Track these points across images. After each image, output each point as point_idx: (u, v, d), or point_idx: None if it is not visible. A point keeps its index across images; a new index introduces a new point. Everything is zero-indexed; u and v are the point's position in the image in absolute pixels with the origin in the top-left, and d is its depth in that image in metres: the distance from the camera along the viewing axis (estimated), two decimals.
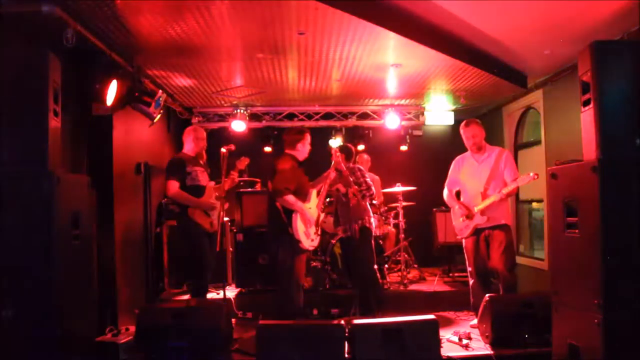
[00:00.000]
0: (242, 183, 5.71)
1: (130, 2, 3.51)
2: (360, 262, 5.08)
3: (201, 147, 4.95)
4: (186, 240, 4.81)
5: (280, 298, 4.42)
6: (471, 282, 4.67)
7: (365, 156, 7.02)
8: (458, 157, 4.84)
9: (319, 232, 4.62)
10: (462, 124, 4.72)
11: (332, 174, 4.72)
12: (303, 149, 4.55)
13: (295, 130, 4.64)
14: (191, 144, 4.87)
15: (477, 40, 4.57)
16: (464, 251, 4.72)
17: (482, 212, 4.46)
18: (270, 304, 5.26)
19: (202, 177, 4.79)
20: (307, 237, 4.37)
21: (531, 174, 4.18)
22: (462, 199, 4.77)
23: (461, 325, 4.80)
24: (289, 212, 4.28)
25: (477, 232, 4.55)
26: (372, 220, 5.33)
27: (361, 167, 5.42)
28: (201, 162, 4.92)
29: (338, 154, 5.14)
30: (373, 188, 5.28)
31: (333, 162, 4.74)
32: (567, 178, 3.23)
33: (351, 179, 5.04)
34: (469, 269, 4.69)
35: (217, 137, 6.69)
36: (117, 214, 4.65)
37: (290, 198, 4.23)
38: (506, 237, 4.42)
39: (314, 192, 4.57)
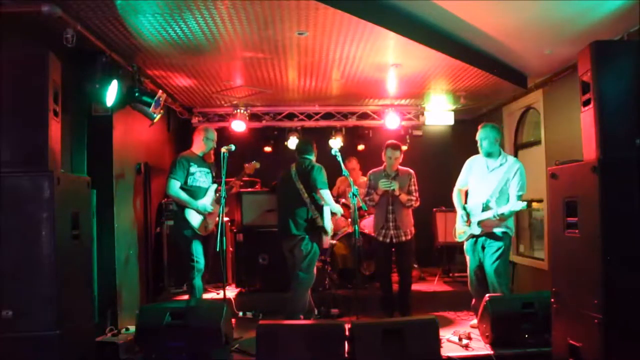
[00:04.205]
0: (242, 184, 5.70)
1: (130, 2, 3.51)
2: (407, 266, 5.22)
3: (210, 147, 4.98)
4: (179, 239, 4.81)
5: (299, 296, 4.56)
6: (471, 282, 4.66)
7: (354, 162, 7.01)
8: (471, 158, 4.73)
9: None
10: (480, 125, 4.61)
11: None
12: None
13: (309, 141, 4.98)
14: (200, 143, 4.91)
15: (477, 40, 4.57)
16: (465, 252, 4.71)
17: (479, 224, 4.42)
18: (270, 304, 5.30)
19: (205, 178, 4.82)
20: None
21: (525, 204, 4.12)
22: (468, 202, 4.71)
23: (461, 325, 4.80)
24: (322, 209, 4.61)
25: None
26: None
27: (413, 174, 5.13)
28: (208, 162, 4.94)
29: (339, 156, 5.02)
30: (419, 200, 5.12)
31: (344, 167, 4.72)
32: (567, 178, 3.24)
33: (409, 184, 5.02)
34: (470, 269, 4.67)
35: (217, 137, 6.66)
36: (117, 214, 4.65)
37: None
38: (504, 244, 4.36)
39: None
